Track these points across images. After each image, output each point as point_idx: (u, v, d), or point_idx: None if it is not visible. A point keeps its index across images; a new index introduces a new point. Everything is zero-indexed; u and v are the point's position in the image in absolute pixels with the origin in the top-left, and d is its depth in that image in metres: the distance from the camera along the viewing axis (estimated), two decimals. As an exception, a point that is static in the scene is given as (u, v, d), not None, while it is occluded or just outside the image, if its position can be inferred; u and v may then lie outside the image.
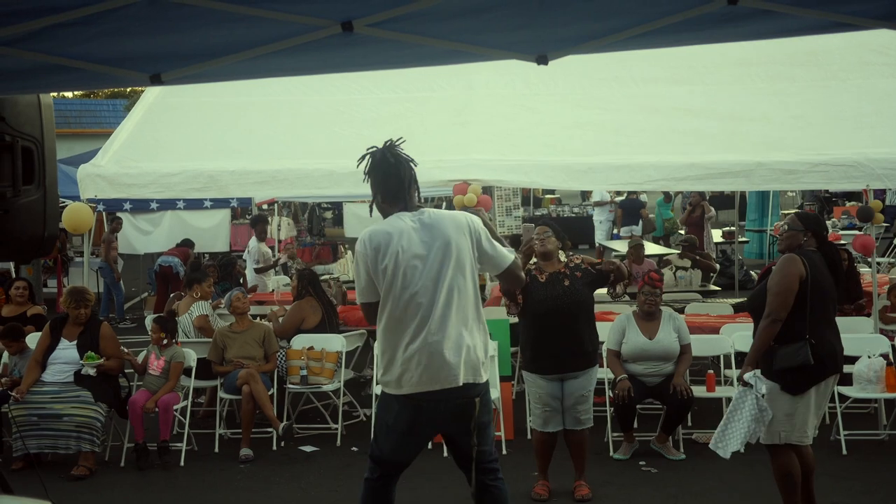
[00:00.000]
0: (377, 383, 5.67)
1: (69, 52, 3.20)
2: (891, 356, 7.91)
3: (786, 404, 5.56)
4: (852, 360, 7.92)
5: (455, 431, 4.72)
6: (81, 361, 7.73)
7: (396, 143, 4.72)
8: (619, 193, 21.55)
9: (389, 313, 4.61)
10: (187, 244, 15.80)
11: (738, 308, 10.27)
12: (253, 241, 13.86)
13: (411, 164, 4.72)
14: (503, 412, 8.02)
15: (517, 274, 5.09)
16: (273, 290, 12.60)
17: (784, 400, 5.55)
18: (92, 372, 7.70)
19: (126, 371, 8.37)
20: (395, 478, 4.87)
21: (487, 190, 9.58)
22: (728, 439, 5.64)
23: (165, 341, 8.17)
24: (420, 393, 4.57)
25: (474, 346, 4.62)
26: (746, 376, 5.60)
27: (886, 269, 13.27)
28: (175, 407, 7.98)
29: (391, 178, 4.66)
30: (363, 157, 4.71)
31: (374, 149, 4.71)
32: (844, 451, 7.54)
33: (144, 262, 17.96)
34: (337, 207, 28.03)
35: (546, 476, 6.88)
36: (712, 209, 18.91)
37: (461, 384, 4.54)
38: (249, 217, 18.92)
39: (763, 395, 5.54)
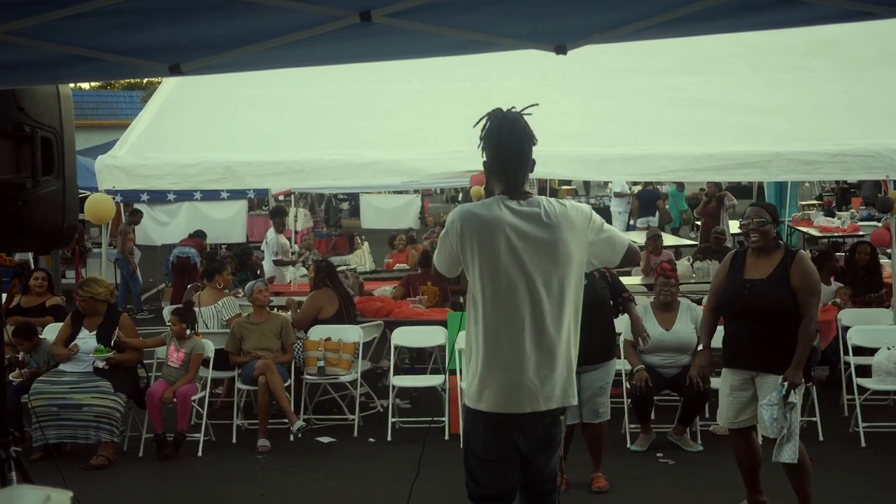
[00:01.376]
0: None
1: (89, 42, 3.22)
2: (910, 348, 7.87)
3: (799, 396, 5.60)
4: (871, 351, 7.90)
5: (534, 453, 4.03)
6: (92, 355, 7.77)
7: (522, 111, 4.04)
8: (635, 184, 21.51)
9: (482, 313, 3.95)
10: (199, 235, 15.85)
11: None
12: (271, 233, 13.88)
13: (529, 141, 4.02)
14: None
15: (634, 259, 4.24)
16: (290, 282, 12.64)
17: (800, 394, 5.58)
18: (101, 365, 7.74)
19: (145, 361, 8.41)
20: None
21: (504, 181, 9.55)
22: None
23: (188, 332, 8.20)
24: (504, 414, 3.94)
25: (564, 365, 4.00)
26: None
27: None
28: (193, 398, 8.02)
29: (499, 150, 4.00)
30: (482, 119, 4.08)
31: (497, 111, 4.07)
32: (863, 444, 7.51)
33: (162, 253, 18.02)
34: (353, 199, 28.07)
35: (563, 468, 6.86)
36: (734, 199, 18.82)
37: (542, 409, 3.94)
38: (266, 208, 18.98)
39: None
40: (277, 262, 13.51)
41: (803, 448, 5.68)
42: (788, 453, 5.53)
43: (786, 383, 5.48)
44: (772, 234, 5.72)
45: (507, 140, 3.98)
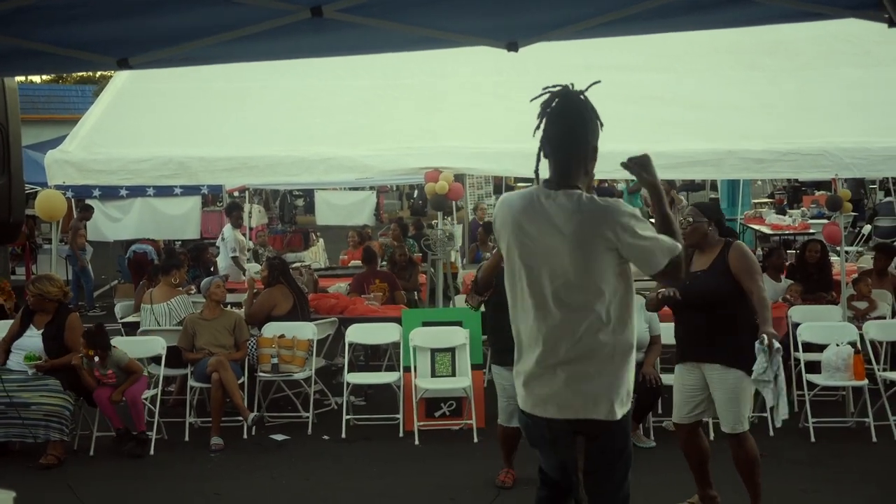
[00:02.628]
0: None
1: (37, 35, 3.17)
2: (858, 344, 7.98)
3: (750, 389, 5.64)
4: (820, 348, 8.01)
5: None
6: (23, 361, 7.64)
7: (583, 92, 3.62)
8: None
9: (511, 305, 3.75)
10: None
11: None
12: (228, 229, 13.75)
13: (595, 125, 3.65)
14: (474, 400, 8.03)
15: (676, 274, 3.66)
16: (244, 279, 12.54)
17: (749, 384, 5.60)
18: (31, 372, 7.61)
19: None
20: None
21: (459, 177, 9.56)
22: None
23: (97, 359, 7.70)
24: (527, 413, 3.73)
25: (572, 373, 3.59)
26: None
27: (855, 258, 13.39)
28: (144, 396, 7.93)
29: (548, 131, 3.64)
30: (543, 92, 3.67)
31: (559, 87, 3.65)
32: (812, 439, 7.61)
33: (114, 249, 17.81)
34: (308, 195, 27.91)
35: (511, 464, 6.87)
36: (683, 199, 18.95)
37: (565, 417, 3.61)
38: (220, 204, 18.82)
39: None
40: (235, 259, 13.40)
41: (753, 441, 5.74)
42: (782, 411, 5.55)
43: (764, 337, 5.47)
44: (701, 231, 5.82)
45: (554, 122, 3.62)
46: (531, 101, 3.68)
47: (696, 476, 6.06)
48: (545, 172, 3.73)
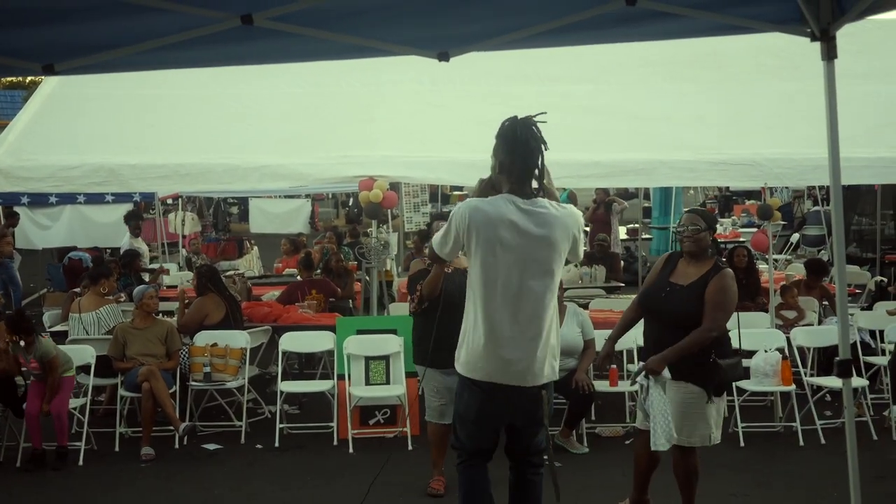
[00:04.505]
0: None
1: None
2: (786, 350, 8.13)
3: (712, 408, 5.58)
4: (749, 354, 8.13)
5: (520, 424, 4.68)
6: None
7: (534, 118, 4.46)
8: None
9: (481, 297, 4.49)
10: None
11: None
12: (126, 238, 13.51)
13: (541, 146, 4.45)
14: (409, 408, 8.03)
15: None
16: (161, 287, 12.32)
17: (712, 405, 5.56)
18: None
19: (23, 369, 8.13)
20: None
21: (394, 186, 9.58)
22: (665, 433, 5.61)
23: (23, 343, 7.57)
24: (491, 383, 4.53)
25: (548, 346, 4.54)
26: (641, 378, 5.57)
27: (783, 265, 13.64)
28: (73, 406, 7.79)
29: (513, 152, 4.42)
30: (507, 120, 4.49)
31: (514, 117, 4.48)
32: (742, 443, 7.73)
33: (43, 257, 17.50)
34: (243, 203, 27.73)
35: (442, 471, 6.82)
36: (625, 202, 19.07)
37: (528, 384, 4.51)
38: (153, 212, 18.60)
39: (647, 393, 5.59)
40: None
41: (697, 456, 5.75)
42: (658, 441, 5.46)
43: (641, 365, 5.55)
44: (706, 242, 5.71)
45: (523, 144, 4.40)
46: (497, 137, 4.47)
47: (636, 481, 6.04)
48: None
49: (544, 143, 4.44)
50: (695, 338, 5.49)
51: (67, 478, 7.41)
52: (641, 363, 5.67)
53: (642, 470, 6.03)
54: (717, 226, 17.13)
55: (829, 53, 3.77)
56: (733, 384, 6.97)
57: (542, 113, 4.44)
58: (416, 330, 6.81)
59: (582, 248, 4.66)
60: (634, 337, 8.26)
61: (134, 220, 13.70)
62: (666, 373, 5.51)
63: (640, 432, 5.93)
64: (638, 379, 5.63)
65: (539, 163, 4.45)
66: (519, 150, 4.41)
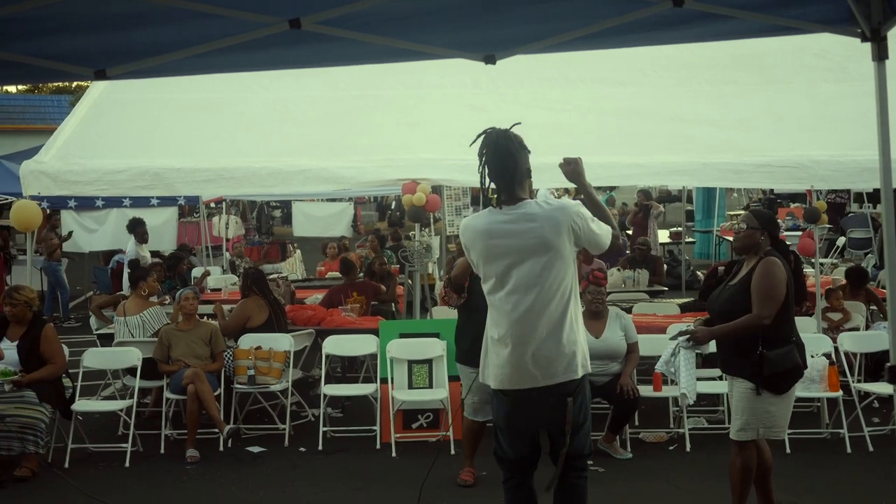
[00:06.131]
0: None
1: (14, 46, 3.17)
2: (833, 356, 8.03)
3: (766, 402, 5.54)
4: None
5: (552, 430, 4.63)
6: None
7: (511, 128, 4.60)
8: (566, 191, 21.66)
9: (488, 306, 4.65)
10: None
11: (685, 308, 10.40)
12: (131, 245, 13.55)
13: (523, 153, 4.57)
14: (451, 411, 8.03)
15: (618, 245, 4.80)
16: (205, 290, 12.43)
17: (764, 398, 5.55)
18: (7, 388, 7.51)
19: (70, 371, 8.23)
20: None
21: (437, 189, 9.58)
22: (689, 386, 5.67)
23: None
24: (509, 389, 4.58)
25: (559, 344, 4.49)
26: (682, 340, 5.66)
27: (829, 269, 13.48)
28: (119, 408, 7.86)
29: (496, 162, 4.53)
30: (478, 136, 4.58)
31: (492, 129, 4.59)
32: (788, 450, 7.64)
33: (90, 260, 17.72)
34: (286, 206, 27.90)
35: (472, 463, 7.01)
36: (661, 206, 19.02)
37: (541, 385, 4.50)
38: (197, 215, 18.76)
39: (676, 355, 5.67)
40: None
41: (754, 454, 5.67)
42: (688, 396, 5.63)
43: (689, 328, 5.67)
44: (754, 240, 5.70)
45: (491, 158, 4.52)
46: (469, 145, 4.57)
47: (757, 490, 5.92)
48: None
49: (524, 148, 4.56)
50: (744, 321, 5.55)
51: (114, 478, 7.49)
52: (690, 326, 5.77)
53: (755, 478, 5.88)
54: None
55: (881, 54, 3.72)
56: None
57: (517, 123, 4.59)
58: (457, 328, 7.00)
59: (598, 235, 4.56)
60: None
61: (140, 227, 13.68)
62: (711, 346, 5.68)
63: (742, 446, 5.72)
64: (678, 339, 5.70)
65: (515, 168, 4.53)
66: (495, 161, 4.52)
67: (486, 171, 4.56)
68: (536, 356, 4.46)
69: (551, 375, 4.48)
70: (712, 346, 5.77)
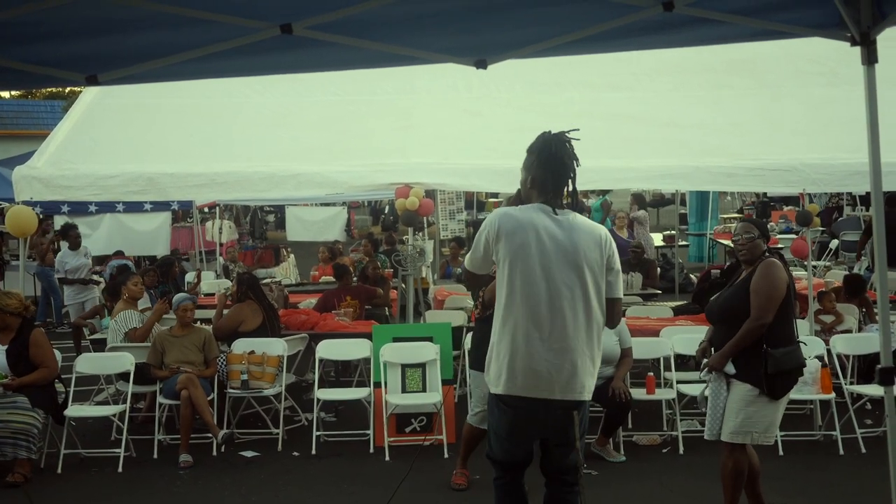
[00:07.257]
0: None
1: (6, 52, 3.17)
2: (825, 358, 8.05)
3: (765, 407, 5.58)
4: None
5: (552, 441, 4.60)
6: None
7: (568, 134, 4.49)
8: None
9: (505, 305, 4.42)
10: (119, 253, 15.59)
11: (678, 311, 10.41)
12: (65, 249, 13.51)
13: (574, 162, 4.47)
14: (445, 416, 8.04)
15: (615, 311, 4.60)
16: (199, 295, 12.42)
17: (764, 403, 5.57)
18: None
19: (63, 376, 8.21)
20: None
21: (430, 193, 9.59)
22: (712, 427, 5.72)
23: None
24: (517, 397, 4.43)
25: (580, 360, 4.39)
26: (705, 374, 5.76)
27: (822, 272, 13.51)
28: (112, 413, 7.85)
29: (547, 166, 4.45)
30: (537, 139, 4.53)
31: (547, 132, 4.50)
32: (781, 452, 7.65)
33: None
34: (279, 211, 27.90)
35: (466, 465, 7.04)
36: (640, 211, 18.81)
37: (557, 397, 4.39)
38: (190, 220, 18.72)
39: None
40: (63, 281, 13.25)
41: (746, 457, 5.69)
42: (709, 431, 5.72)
43: (705, 362, 5.72)
44: (760, 248, 5.74)
45: (557, 160, 4.43)
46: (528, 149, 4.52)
47: (747, 494, 5.95)
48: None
49: (576, 159, 4.47)
50: (746, 328, 5.58)
51: (107, 484, 7.48)
52: (706, 360, 5.82)
53: (746, 484, 5.88)
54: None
55: (870, 58, 3.74)
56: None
57: (575, 129, 4.47)
58: (476, 335, 6.94)
59: (619, 289, 4.52)
60: (671, 345, 8.28)
61: (72, 231, 13.59)
62: (730, 368, 5.63)
63: (733, 448, 5.72)
64: (702, 375, 5.84)
65: (571, 178, 4.48)
66: (552, 165, 4.44)
67: (547, 170, 4.45)
68: (556, 369, 4.34)
69: (570, 390, 4.39)
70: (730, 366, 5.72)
